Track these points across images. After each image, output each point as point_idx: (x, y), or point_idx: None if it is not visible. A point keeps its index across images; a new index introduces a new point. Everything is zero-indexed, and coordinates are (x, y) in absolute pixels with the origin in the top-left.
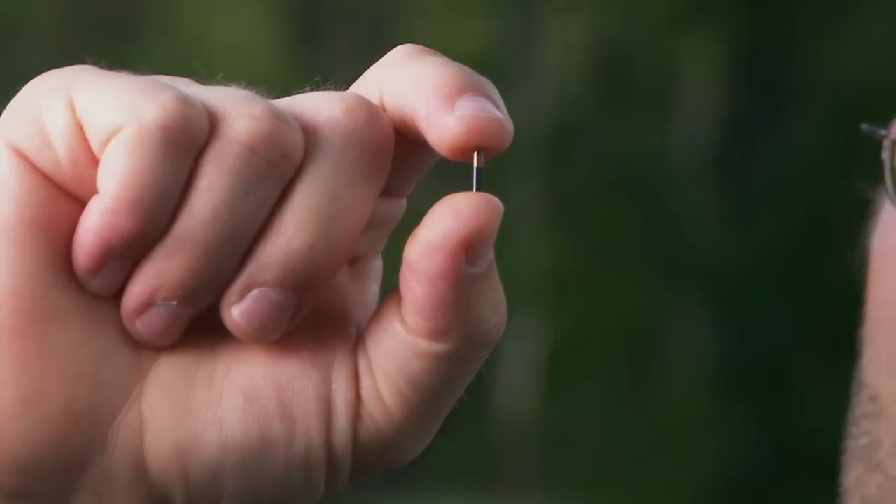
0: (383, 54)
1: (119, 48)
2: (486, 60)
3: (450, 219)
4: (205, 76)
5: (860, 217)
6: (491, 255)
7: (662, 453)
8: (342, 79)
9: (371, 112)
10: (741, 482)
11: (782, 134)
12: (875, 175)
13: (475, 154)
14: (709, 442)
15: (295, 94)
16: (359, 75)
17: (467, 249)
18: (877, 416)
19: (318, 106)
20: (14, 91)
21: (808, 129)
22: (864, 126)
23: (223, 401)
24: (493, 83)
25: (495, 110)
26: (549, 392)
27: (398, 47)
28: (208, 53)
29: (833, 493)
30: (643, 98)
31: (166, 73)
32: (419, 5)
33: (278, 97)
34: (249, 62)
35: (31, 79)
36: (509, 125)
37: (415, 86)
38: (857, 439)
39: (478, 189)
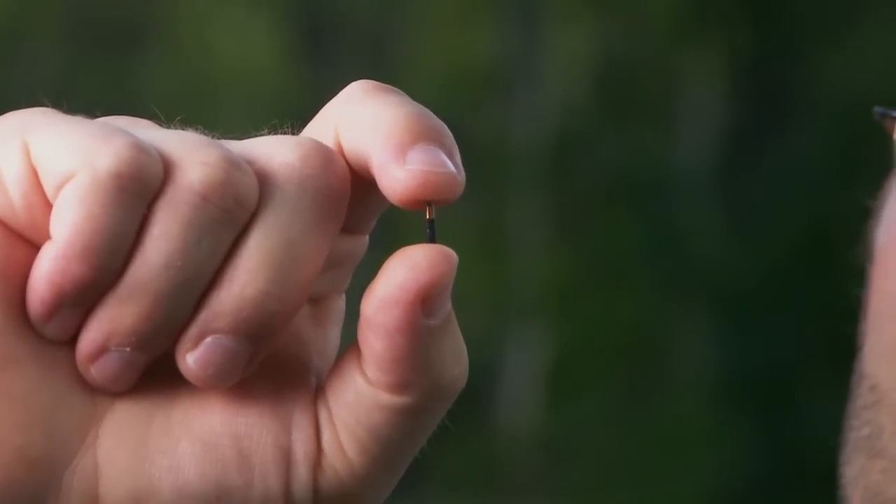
0: (386, 66)
1: (122, 60)
2: (489, 71)
3: (404, 272)
4: (208, 91)
5: (864, 229)
6: (448, 306)
7: (666, 464)
8: None
9: (326, 157)
10: (745, 494)
11: (786, 146)
12: (878, 184)
13: (427, 206)
14: (712, 453)
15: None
16: None
17: (423, 302)
18: (877, 405)
19: (273, 151)
20: (17, 103)
21: (812, 141)
22: (878, 109)
23: (180, 448)
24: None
25: (447, 162)
26: (553, 403)
27: (355, 83)
28: (211, 65)
29: None
30: (646, 110)
31: (170, 85)
32: (422, 17)
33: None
34: (252, 74)
35: (35, 91)
36: (461, 177)
37: (369, 129)
38: (859, 430)
39: (431, 240)
